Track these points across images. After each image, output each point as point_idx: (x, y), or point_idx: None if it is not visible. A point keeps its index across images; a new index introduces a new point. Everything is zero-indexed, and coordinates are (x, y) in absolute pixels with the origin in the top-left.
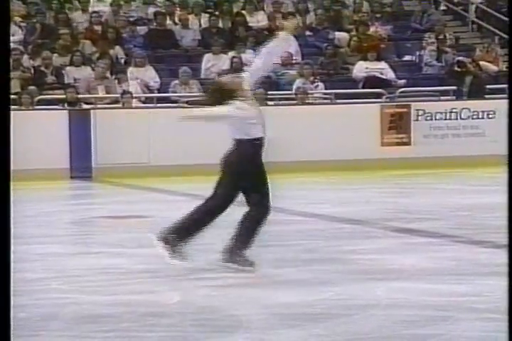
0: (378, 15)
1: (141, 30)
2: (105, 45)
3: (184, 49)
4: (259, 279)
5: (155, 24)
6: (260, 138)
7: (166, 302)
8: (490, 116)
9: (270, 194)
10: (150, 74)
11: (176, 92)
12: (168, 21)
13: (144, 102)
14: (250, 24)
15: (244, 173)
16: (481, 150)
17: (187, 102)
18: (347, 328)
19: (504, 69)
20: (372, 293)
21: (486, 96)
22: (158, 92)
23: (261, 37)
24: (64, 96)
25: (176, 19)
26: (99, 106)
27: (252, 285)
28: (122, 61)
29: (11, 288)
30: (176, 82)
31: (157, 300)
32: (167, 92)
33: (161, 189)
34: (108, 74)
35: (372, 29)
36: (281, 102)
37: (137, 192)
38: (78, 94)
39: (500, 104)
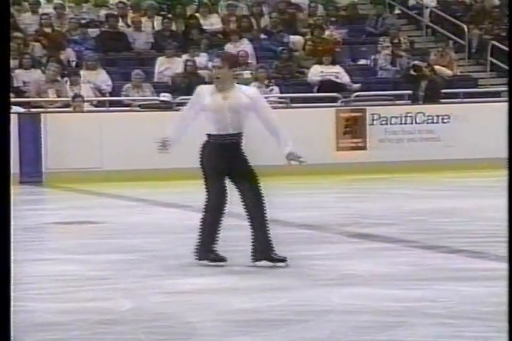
0: (333, 19)
1: (93, 32)
2: (55, 48)
3: (137, 52)
4: (213, 285)
5: (107, 26)
6: (214, 135)
7: (118, 309)
8: (445, 120)
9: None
10: (102, 78)
11: (128, 96)
12: (121, 24)
13: (95, 106)
14: (204, 27)
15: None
16: (437, 155)
17: (140, 106)
18: (302, 334)
19: (458, 73)
20: (328, 299)
21: (441, 100)
22: (111, 96)
23: (215, 40)
24: (14, 99)
25: (129, 21)
26: (49, 109)
27: (207, 292)
28: (73, 64)
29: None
30: (129, 85)
31: (109, 308)
32: (119, 96)
33: (114, 194)
34: (59, 78)
35: (327, 33)
36: None
37: (89, 197)
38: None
39: (455, 109)
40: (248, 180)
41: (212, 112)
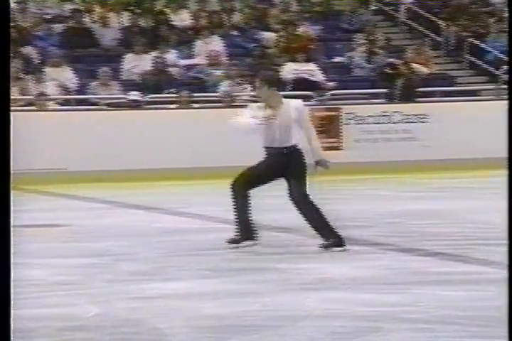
0: (307, 15)
1: (58, 28)
2: (18, 44)
3: (104, 48)
4: (183, 290)
5: (72, 22)
6: (266, 147)
7: (84, 315)
8: (422, 119)
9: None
10: (67, 75)
11: (95, 94)
12: (87, 19)
13: (61, 104)
14: (173, 23)
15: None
16: (413, 155)
17: (107, 105)
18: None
19: (435, 71)
20: (303, 304)
21: (418, 99)
22: (76, 94)
23: (185, 36)
24: None
25: (95, 17)
26: (12, 108)
27: (176, 297)
28: (38, 61)
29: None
30: (96, 83)
31: (75, 314)
32: (86, 94)
33: (81, 196)
34: (22, 75)
35: (301, 29)
36: (207, 105)
37: (55, 199)
38: None
39: (433, 108)
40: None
41: (264, 129)
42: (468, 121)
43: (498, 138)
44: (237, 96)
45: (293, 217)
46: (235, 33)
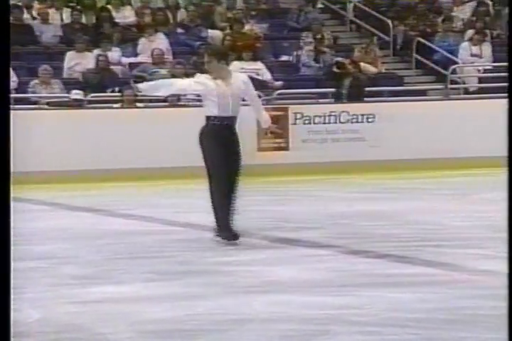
0: (253, 13)
1: None
2: None
3: (44, 46)
4: (127, 294)
5: (11, 18)
6: (215, 117)
7: (25, 320)
8: (369, 119)
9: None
10: None
11: (35, 93)
12: (26, 15)
13: None
14: (116, 20)
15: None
16: (361, 156)
17: (48, 104)
18: None
19: (383, 71)
20: (249, 307)
21: (366, 99)
22: (16, 93)
23: (128, 34)
24: None
25: (35, 13)
26: None
27: (120, 301)
28: None
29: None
30: (36, 81)
31: (15, 319)
32: (26, 93)
33: (22, 198)
34: None
35: (247, 27)
36: (151, 104)
37: None
38: None
39: (380, 107)
40: (234, 161)
41: (217, 97)
42: (416, 121)
43: (447, 138)
44: (182, 95)
45: (241, 218)
46: (180, 30)
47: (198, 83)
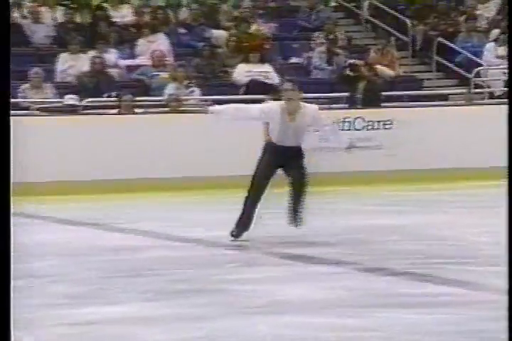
0: (261, 12)
1: None
2: None
3: (36, 47)
4: (125, 314)
5: None
6: (274, 143)
7: None
8: (386, 126)
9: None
10: None
11: (26, 97)
12: (16, 14)
13: None
14: (114, 19)
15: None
16: (377, 166)
17: (39, 109)
18: None
19: (401, 74)
20: (256, 329)
21: (382, 104)
22: None
23: (126, 34)
24: None
25: (25, 12)
26: None
27: (117, 322)
28: None
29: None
30: (26, 85)
31: None
32: (16, 98)
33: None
34: None
35: (254, 27)
36: (150, 110)
37: None
38: None
39: (398, 113)
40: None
41: (278, 130)
42: (437, 127)
43: (470, 147)
44: (184, 100)
45: (249, 232)
46: (182, 30)
47: (265, 114)
